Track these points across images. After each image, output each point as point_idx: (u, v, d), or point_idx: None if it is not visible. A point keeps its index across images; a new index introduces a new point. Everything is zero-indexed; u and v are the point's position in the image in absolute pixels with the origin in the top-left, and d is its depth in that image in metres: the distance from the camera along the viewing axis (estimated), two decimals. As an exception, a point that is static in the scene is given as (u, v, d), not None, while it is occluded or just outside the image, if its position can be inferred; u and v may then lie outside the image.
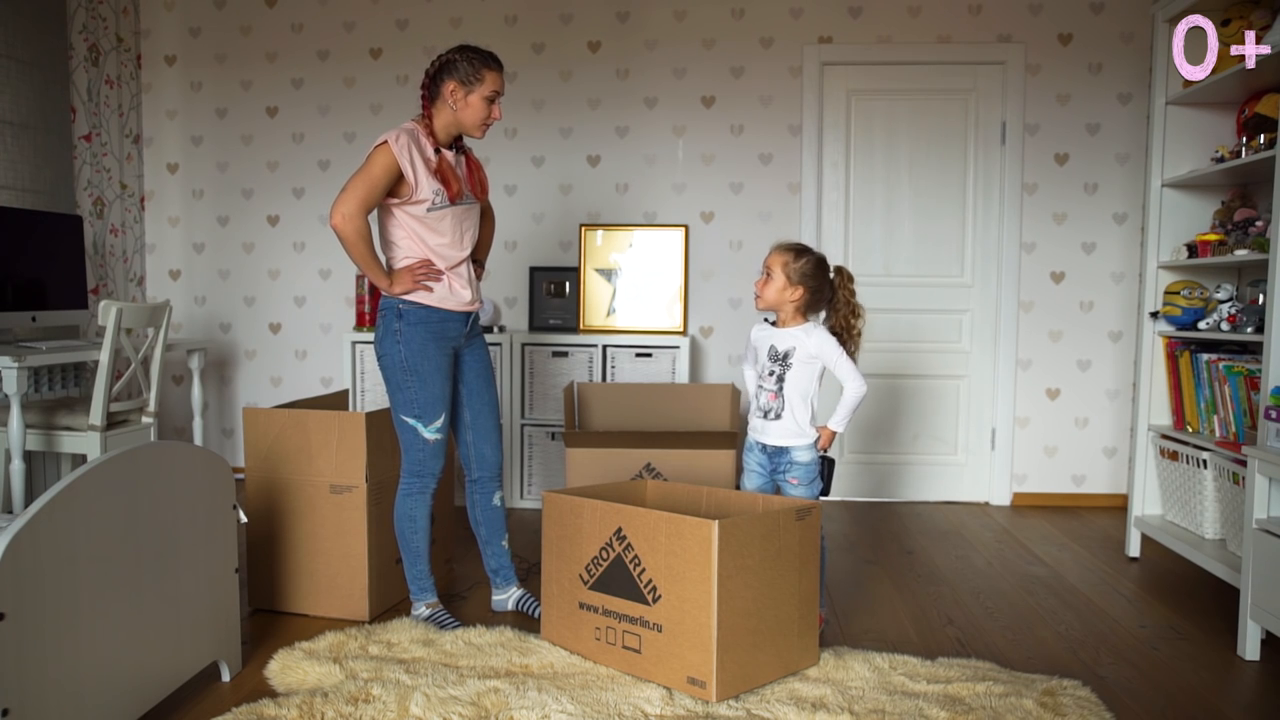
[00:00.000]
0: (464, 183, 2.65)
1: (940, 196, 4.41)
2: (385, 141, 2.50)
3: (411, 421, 2.64)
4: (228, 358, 4.74)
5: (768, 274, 2.62)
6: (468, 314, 2.70)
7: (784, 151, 4.42)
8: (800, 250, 2.61)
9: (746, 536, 2.25)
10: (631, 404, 3.76)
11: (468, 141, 2.88)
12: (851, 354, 2.62)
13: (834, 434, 2.62)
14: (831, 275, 2.64)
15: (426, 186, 2.54)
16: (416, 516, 2.70)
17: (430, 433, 2.65)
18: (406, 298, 2.59)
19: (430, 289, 2.61)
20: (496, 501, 2.87)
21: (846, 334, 2.63)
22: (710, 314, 4.50)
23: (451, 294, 2.64)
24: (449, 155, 2.62)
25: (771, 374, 2.64)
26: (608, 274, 4.37)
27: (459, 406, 2.79)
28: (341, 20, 4.55)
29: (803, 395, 2.61)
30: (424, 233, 2.59)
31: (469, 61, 2.55)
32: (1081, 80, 4.31)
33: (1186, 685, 2.42)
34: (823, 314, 2.68)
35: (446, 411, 2.67)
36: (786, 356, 2.61)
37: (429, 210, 2.56)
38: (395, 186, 2.53)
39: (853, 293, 2.64)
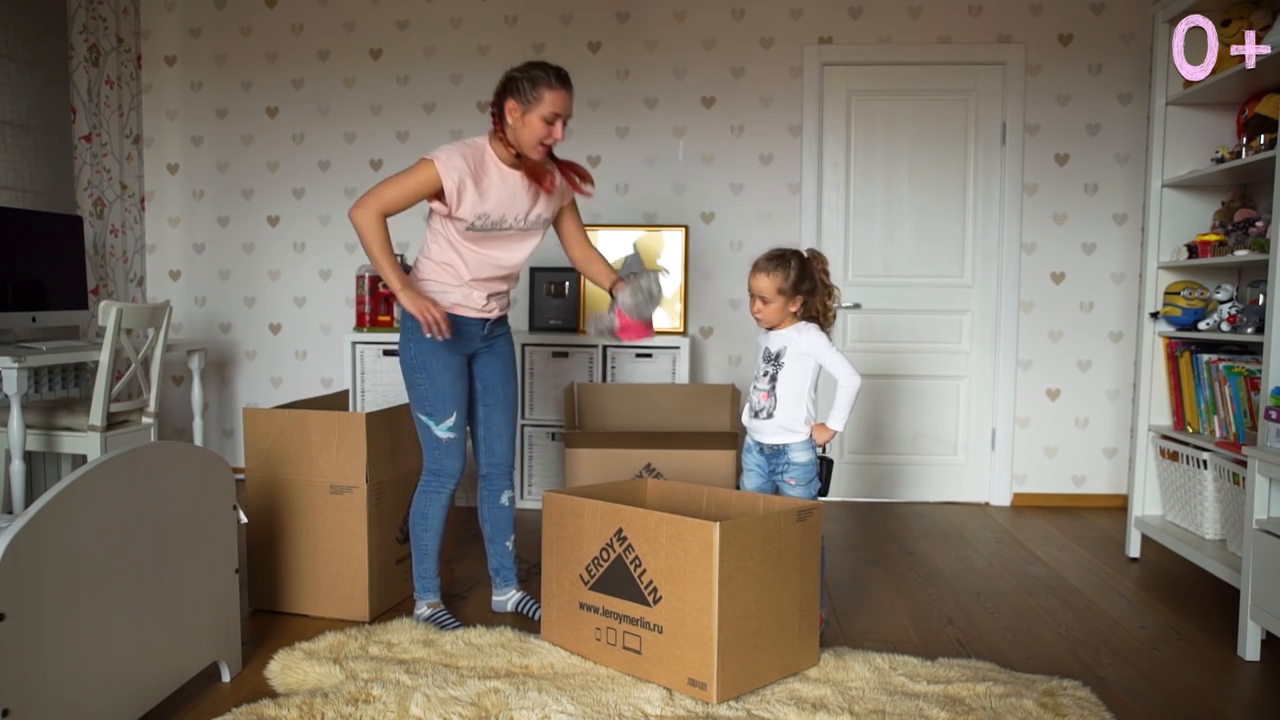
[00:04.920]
0: (519, 208, 2.58)
1: (940, 197, 4.41)
2: (435, 159, 2.45)
3: (424, 419, 2.65)
4: (228, 358, 4.74)
5: (761, 299, 2.60)
6: (484, 319, 2.70)
7: (784, 152, 4.42)
8: (779, 262, 2.58)
9: (748, 538, 2.25)
10: (631, 404, 3.76)
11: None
12: (826, 330, 2.64)
13: (833, 432, 2.62)
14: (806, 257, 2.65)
15: (469, 209, 2.50)
16: (429, 515, 2.71)
17: (442, 431, 2.65)
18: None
19: (441, 307, 2.50)
20: (504, 500, 2.87)
21: (823, 315, 2.65)
22: (710, 314, 4.50)
23: (467, 301, 2.63)
24: (515, 176, 2.55)
25: (766, 374, 2.64)
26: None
27: (474, 403, 2.79)
28: (341, 20, 4.55)
29: (797, 394, 2.60)
30: (460, 243, 2.57)
31: (529, 79, 2.46)
32: (1081, 80, 4.31)
33: (1186, 685, 2.42)
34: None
35: (459, 412, 2.67)
36: (779, 356, 2.62)
37: (467, 229, 2.54)
38: (440, 193, 2.49)
39: (827, 274, 2.66)
